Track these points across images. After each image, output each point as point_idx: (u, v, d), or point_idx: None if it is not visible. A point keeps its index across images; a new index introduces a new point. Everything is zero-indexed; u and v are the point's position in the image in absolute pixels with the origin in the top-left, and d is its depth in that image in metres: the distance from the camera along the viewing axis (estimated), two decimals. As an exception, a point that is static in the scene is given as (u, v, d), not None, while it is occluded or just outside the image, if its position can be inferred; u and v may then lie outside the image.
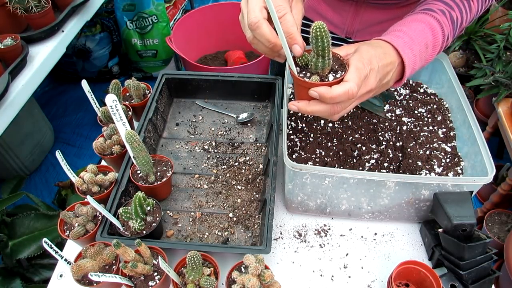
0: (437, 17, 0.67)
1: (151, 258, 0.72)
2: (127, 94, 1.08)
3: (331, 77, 0.55)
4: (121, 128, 0.80)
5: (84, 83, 0.92)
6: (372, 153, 0.84)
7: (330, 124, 0.90)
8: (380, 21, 0.91)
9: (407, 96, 0.98)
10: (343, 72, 0.55)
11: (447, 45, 0.71)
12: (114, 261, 0.73)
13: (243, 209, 0.87)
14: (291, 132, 0.89)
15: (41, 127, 2.21)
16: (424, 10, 0.69)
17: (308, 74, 0.56)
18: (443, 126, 0.90)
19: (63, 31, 1.49)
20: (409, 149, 0.83)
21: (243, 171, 0.95)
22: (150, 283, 0.70)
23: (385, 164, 0.82)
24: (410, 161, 0.82)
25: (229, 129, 1.05)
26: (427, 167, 0.81)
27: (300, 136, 0.88)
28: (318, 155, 0.84)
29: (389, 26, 0.70)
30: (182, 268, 0.72)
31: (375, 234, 0.85)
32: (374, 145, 0.86)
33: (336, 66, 0.58)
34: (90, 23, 2.39)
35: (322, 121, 0.90)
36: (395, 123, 0.89)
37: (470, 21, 0.74)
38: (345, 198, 0.80)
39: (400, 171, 0.81)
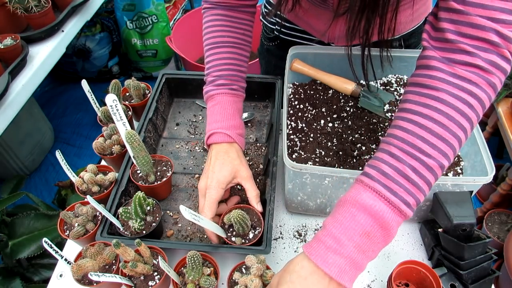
0: (377, 180, 0.52)
1: (151, 258, 0.72)
2: (127, 94, 1.08)
3: (251, 234, 0.76)
4: (121, 128, 0.80)
5: (84, 83, 0.92)
6: (372, 153, 0.84)
7: (330, 124, 0.90)
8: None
9: (407, 96, 0.98)
10: (260, 229, 0.76)
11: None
12: (114, 261, 0.73)
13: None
14: (291, 132, 0.89)
15: (41, 127, 2.21)
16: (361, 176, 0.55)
17: (234, 233, 0.76)
18: (443, 126, 0.90)
19: (63, 31, 1.50)
20: (409, 149, 0.83)
21: (243, 171, 0.95)
22: (150, 283, 0.70)
23: (385, 164, 0.82)
24: (410, 161, 0.81)
25: (229, 129, 1.05)
26: (427, 167, 0.81)
27: (300, 136, 0.88)
28: (318, 155, 0.84)
29: None
30: (182, 268, 0.72)
31: (375, 234, 0.85)
32: (374, 145, 0.86)
33: (256, 220, 0.77)
34: (90, 23, 2.39)
35: (322, 121, 0.90)
36: (395, 123, 0.89)
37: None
38: (345, 198, 0.80)
39: (400, 171, 0.81)
